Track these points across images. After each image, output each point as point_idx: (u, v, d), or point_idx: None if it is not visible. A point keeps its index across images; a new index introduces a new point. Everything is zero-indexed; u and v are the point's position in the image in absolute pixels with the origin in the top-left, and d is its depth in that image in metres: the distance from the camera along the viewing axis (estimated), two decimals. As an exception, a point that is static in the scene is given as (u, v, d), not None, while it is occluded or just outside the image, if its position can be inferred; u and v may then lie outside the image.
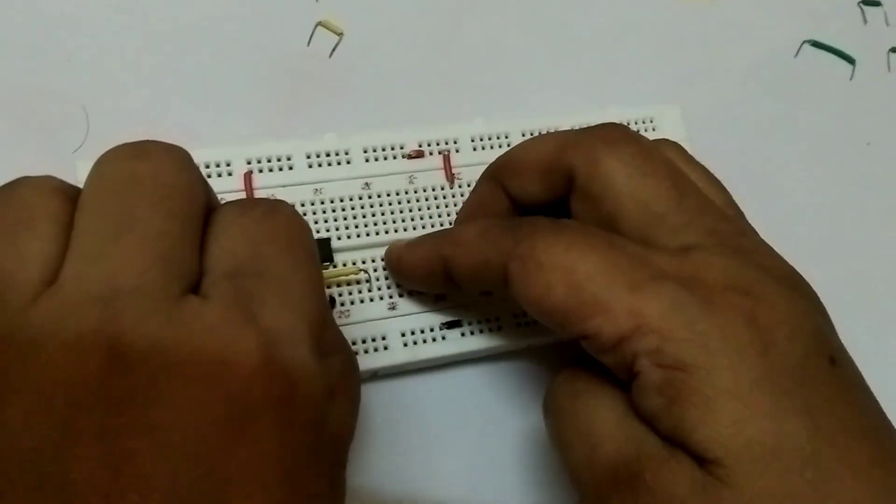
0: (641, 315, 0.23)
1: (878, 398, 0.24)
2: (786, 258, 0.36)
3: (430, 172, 0.33)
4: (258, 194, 0.30)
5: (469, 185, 0.33)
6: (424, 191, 0.32)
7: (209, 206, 0.22)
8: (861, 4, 0.45)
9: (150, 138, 0.27)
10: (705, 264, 0.24)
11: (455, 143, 0.33)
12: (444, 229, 0.32)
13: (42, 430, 0.17)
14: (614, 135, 0.27)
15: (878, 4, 0.45)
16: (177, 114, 0.33)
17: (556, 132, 0.29)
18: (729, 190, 0.34)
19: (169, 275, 0.19)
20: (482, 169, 0.32)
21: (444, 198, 0.33)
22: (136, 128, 0.32)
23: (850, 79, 0.43)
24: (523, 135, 0.34)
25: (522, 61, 0.38)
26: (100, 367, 0.18)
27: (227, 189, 0.30)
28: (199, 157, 0.29)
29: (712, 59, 0.41)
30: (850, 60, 0.43)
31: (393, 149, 0.32)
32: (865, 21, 0.44)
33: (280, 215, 0.22)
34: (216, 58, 0.35)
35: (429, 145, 0.33)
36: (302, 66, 0.36)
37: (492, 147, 0.34)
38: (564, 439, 0.25)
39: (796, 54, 0.43)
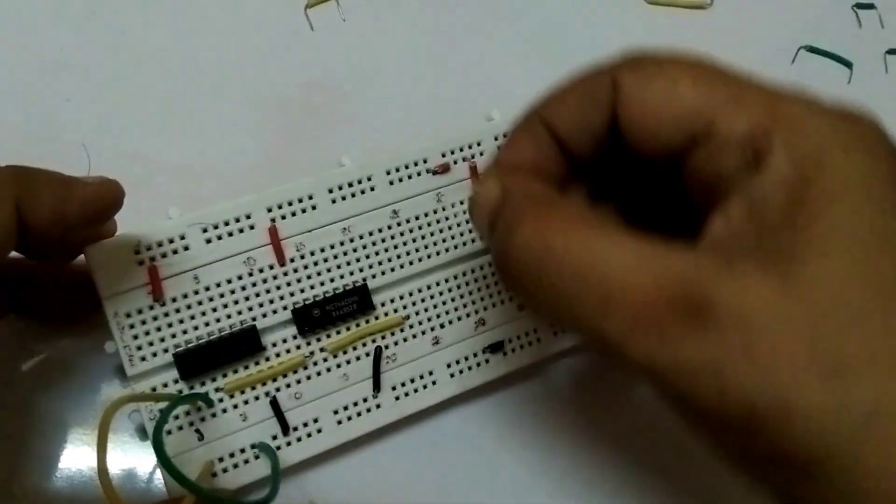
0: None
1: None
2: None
3: (457, 185, 0.31)
4: (286, 245, 0.28)
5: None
6: (453, 206, 0.31)
7: None
8: (855, 8, 0.44)
9: (153, 175, 0.29)
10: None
11: (479, 145, 0.31)
12: None
13: None
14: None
15: (872, 7, 0.44)
16: (178, 149, 0.32)
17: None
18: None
19: None
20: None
21: (465, 213, 0.31)
22: (136, 165, 0.32)
23: (848, 82, 0.42)
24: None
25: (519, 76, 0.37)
26: None
27: (252, 246, 0.28)
28: (215, 216, 0.27)
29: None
30: (847, 64, 0.42)
31: (416, 165, 0.30)
32: (860, 24, 0.44)
33: None
34: (215, 91, 0.34)
35: (452, 153, 0.31)
36: (303, 94, 0.35)
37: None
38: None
39: (793, 60, 0.42)
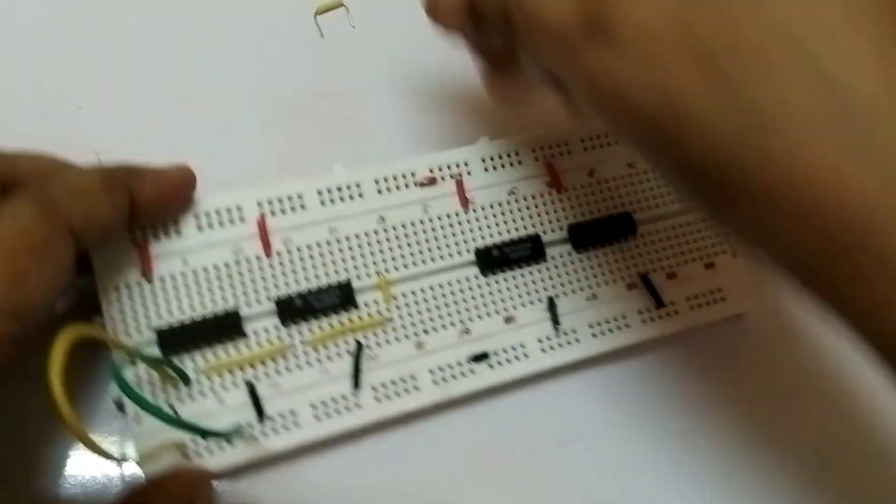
0: None
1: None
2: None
3: (443, 199, 0.32)
4: (273, 238, 0.30)
5: (483, 209, 0.32)
6: (440, 219, 0.32)
7: None
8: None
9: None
10: None
11: (466, 165, 0.32)
12: None
13: None
14: None
15: None
16: (186, 156, 0.31)
17: None
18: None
19: None
20: (496, 190, 0.32)
21: (460, 224, 0.32)
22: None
23: None
24: (533, 150, 0.33)
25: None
26: None
27: (241, 235, 0.29)
28: (208, 205, 0.29)
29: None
30: None
31: (405, 177, 0.32)
32: None
33: None
34: (225, 99, 0.34)
35: (440, 170, 0.32)
36: (311, 101, 0.35)
37: (503, 166, 0.33)
38: None
39: None
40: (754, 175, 0.20)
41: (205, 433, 0.27)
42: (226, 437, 0.27)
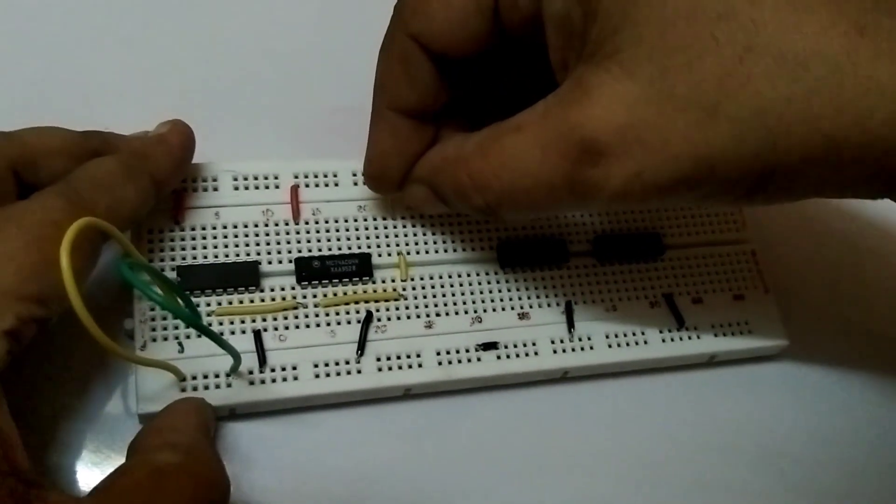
0: None
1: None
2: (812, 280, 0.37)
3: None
4: (304, 208, 0.31)
5: (515, 216, 0.33)
6: (467, 215, 0.32)
7: None
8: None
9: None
10: None
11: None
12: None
13: None
14: None
15: None
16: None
17: None
18: (759, 213, 0.36)
19: None
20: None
21: (487, 222, 0.33)
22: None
23: None
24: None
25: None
26: None
27: (273, 201, 0.31)
28: (247, 169, 0.31)
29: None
30: None
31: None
32: None
33: None
34: (244, 114, 0.35)
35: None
36: (331, 118, 0.35)
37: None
38: None
39: None
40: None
41: (214, 336, 0.27)
42: (234, 355, 0.27)
